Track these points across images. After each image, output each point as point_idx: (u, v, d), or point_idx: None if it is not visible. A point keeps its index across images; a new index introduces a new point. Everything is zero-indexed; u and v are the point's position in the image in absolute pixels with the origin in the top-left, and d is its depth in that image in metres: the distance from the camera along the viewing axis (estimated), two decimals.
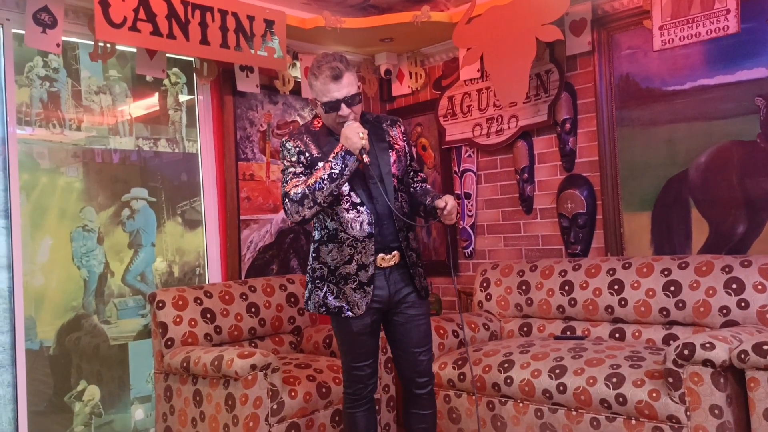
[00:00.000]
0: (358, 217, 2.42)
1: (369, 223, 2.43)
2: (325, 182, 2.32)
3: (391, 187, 2.45)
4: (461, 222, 4.25)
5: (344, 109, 2.39)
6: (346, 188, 2.42)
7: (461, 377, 3.15)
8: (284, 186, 2.43)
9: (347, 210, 2.42)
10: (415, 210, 2.58)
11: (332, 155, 2.36)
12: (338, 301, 2.45)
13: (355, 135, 2.33)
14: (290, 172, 2.44)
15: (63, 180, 3.39)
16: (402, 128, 2.63)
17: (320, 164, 2.41)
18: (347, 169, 2.34)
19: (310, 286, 2.54)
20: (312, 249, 2.55)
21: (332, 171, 2.32)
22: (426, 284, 2.58)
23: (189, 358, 3.00)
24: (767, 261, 2.87)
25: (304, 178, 2.41)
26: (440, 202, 2.42)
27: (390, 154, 2.51)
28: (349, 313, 2.43)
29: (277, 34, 3.60)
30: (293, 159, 2.45)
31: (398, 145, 2.56)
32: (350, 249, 2.43)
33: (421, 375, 2.55)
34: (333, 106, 2.39)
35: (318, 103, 2.44)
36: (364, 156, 2.35)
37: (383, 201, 2.42)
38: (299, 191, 2.35)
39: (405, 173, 2.57)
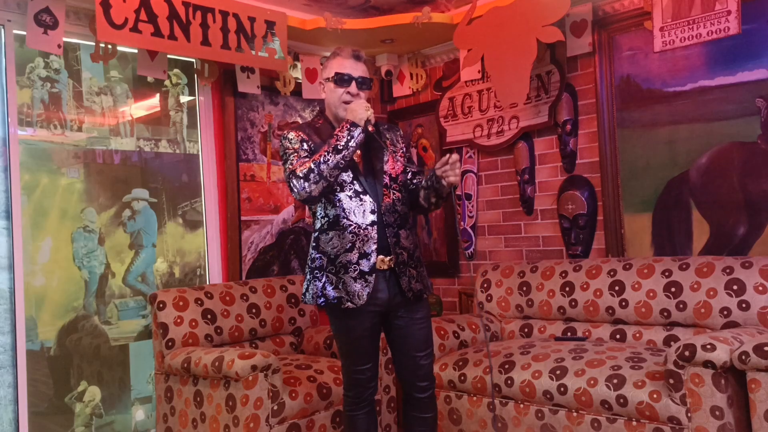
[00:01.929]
0: (361, 205, 2.41)
1: (372, 211, 2.41)
2: (331, 154, 2.31)
3: (381, 183, 2.46)
4: (462, 223, 4.25)
5: (354, 87, 2.44)
6: (348, 177, 2.41)
7: (462, 378, 3.15)
8: (289, 167, 2.39)
9: (350, 197, 2.41)
10: (416, 201, 2.53)
11: (337, 129, 2.37)
12: (337, 291, 2.38)
13: (361, 107, 2.36)
14: (294, 156, 2.41)
15: (64, 181, 3.40)
16: (400, 133, 2.64)
17: None
18: (353, 140, 2.33)
19: (308, 276, 2.48)
20: (312, 239, 2.51)
21: (338, 143, 2.32)
22: (418, 288, 2.47)
23: (190, 358, 3.00)
24: None
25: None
26: (444, 157, 2.35)
27: (384, 153, 2.51)
28: (349, 304, 2.36)
29: (278, 35, 3.60)
30: (296, 146, 2.43)
31: (394, 146, 2.56)
32: (352, 236, 2.39)
33: (422, 379, 2.51)
34: (345, 79, 2.43)
35: (327, 81, 2.48)
36: (369, 126, 2.36)
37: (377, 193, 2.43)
38: (305, 167, 2.33)
39: (402, 173, 2.55)
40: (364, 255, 2.38)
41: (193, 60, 3.78)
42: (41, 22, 3.05)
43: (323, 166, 2.30)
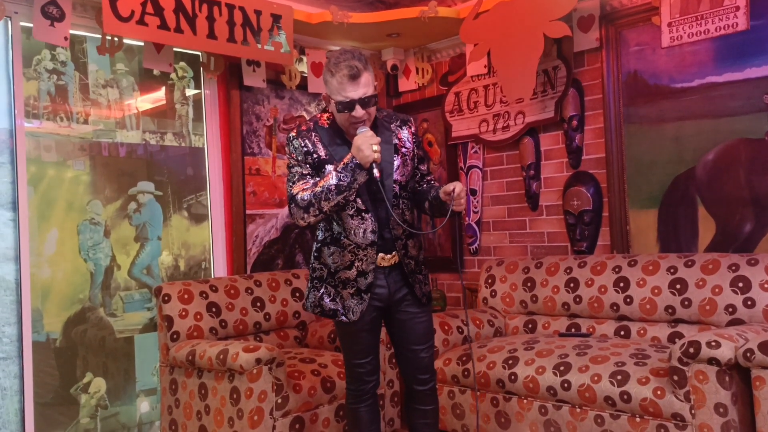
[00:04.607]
0: (362, 224, 2.39)
1: (372, 231, 2.39)
2: (332, 193, 2.28)
3: (391, 193, 2.40)
4: (467, 218, 4.24)
5: (359, 110, 2.30)
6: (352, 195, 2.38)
7: (465, 373, 3.15)
8: (291, 186, 2.38)
9: (351, 216, 2.38)
10: (420, 206, 2.54)
11: (342, 164, 2.30)
12: (334, 303, 2.44)
13: (368, 147, 2.26)
14: (297, 172, 2.39)
15: (70, 173, 3.41)
16: (413, 129, 2.55)
17: (328, 167, 2.36)
18: (356, 182, 2.30)
19: (309, 285, 2.53)
20: (314, 248, 2.52)
21: (340, 183, 2.28)
22: (427, 290, 2.53)
23: (194, 351, 3.01)
24: None
25: (311, 180, 2.36)
26: (449, 186, 2.34)
27: (395, 158, 2.44)
28: (343, 318, 2.42)
29: (284, 28, 3.60)
30: (299, 158, 2.40)
31: (405, 148, 2.48)
32: (351, 255, 2.40)
33: (422, 372, 2.54)
34: (347, 106, 2.30)
35: (331, 100, 2.36)
36: (375, 170, 2.30)
37: (385, 206, 2.37)
38: (305, 198, 2.31)
39: (411, 178, 2.51)
40: (362, 273, 2.41)
41: (199, 53, 3.78)
42: (48, 15, 3.05)
43: (324, 204, 2.30)
